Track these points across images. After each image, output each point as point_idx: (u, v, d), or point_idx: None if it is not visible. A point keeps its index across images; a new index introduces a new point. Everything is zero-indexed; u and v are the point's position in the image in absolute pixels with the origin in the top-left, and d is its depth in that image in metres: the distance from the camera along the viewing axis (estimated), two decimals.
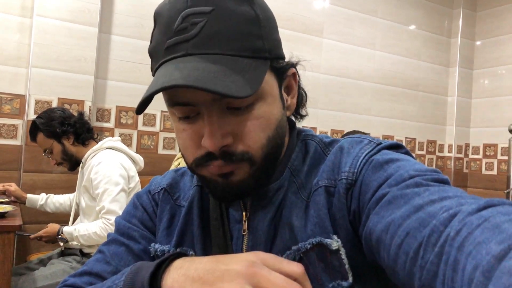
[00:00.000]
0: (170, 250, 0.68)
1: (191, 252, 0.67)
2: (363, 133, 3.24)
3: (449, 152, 4.51)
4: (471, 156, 4.56)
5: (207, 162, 0.57)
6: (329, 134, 3.72)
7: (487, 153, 4.43)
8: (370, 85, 4.03)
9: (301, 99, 0.70)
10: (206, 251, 0.66)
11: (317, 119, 3.64)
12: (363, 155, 0.59)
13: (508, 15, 4.37)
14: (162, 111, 3.11)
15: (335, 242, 0.56)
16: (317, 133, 3.82)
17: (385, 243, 0.47)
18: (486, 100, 4.49)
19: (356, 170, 0.58)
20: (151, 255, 0.70)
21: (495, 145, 4.36)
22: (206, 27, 0.53)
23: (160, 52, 0.56)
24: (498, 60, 4.41)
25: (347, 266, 0.56)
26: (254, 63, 0.55)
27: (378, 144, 0.61)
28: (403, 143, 4.21)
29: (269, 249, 0.61)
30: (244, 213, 0.64)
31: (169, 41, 0.54)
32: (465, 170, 4.53)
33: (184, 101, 0.55)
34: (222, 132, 0.55)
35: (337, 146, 0.63)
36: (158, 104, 2.70)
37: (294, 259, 0.58)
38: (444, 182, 0.51)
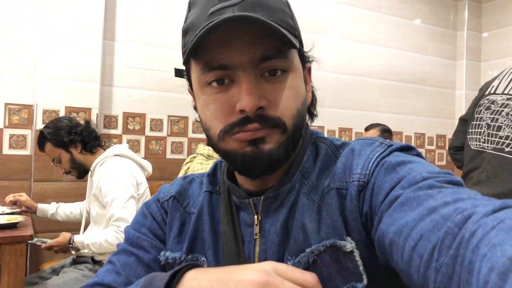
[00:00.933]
0: (182, 257, 0.68)
1: (202, 258, 0.67)
2: (384, 125, 3.21)
3: None
4: None
5: (241, 127, 0.57)
6: (337, 132, 3.71)
7: None
8: (377, 82, 4.00)
9: (313, 98, 0.71)
10: (217, 257, 0.66)
11: (324, 118, 3.63)
12: (375, 157, 0.58)
13: None
14: (169, 116, 3.12)
15: (348, 244, 0.56)
16: (325, 132, 3.87)
17: (398, 245, 0.47)
18: None
19: (368, 172, 0.57)
20: (162, 263, 0.70)
21: None
22: None
23: (201, 21, 0.56)
24: (506, 51, 4.36)
25: (361, 267, 0.55)
26: (290, 34, 0.58)
27: (389, 146, 0.60)
28: (412, 139, 4.21)
29: (282, 252, 0.60)
30: (255, 216, 0.64)
31: (213, 8, 0.56)
32: None
33: (221, 64, 0.56)
34: (259, 94, 0.56)
35: (348, 148, 0.63)
36: (165, 108, 2.70)
37: (308, 262, 0.57)
38: (458, 184, 0.50)
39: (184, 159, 3.01)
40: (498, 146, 1.18)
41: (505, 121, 1.18)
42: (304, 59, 0.66)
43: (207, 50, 0.56)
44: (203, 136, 3.22)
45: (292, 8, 0.64)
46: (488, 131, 1.25)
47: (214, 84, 0.58)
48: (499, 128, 1.19)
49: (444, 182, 0.50)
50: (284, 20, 0.58)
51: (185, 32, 0.60)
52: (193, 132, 3.22)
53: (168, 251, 0.69)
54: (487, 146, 1.23)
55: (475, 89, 4.52)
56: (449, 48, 4.49)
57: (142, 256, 0.70)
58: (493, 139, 1.21)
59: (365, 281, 0.55)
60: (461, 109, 4.47)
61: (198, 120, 0.65)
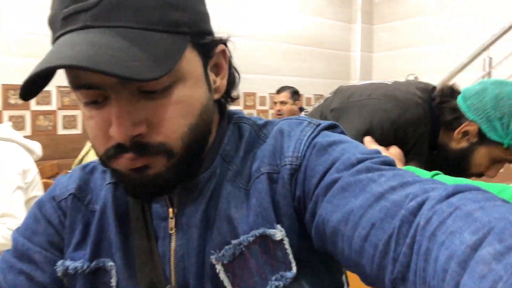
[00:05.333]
0: (84, 265, 0.58)
1: (109, 263, 0.58)
2: (294, 88, 3.34)
3: None
4: None
5: (117, 155, 0.49)
6: (241, 98, 3.70)
7: None
8: (278, 45, 4.05)
9: (233, 80, 0.63)
10: (128, 259, 0.58)
11: None
12: (305, 138, 0.56)
13: None
14: (57, 87, 2.82)
15: (278, 232, 0.53)
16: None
17: (344, 234, 0.45)
18: (385, 54, 4.75)
19: (300, 155, 0.55)
20: (58, 274, 0.59)
21: None
22: None
23: (57, 23, 0.47)
24: (394, 15, 4.66)
25: (290, 256, 0.53)
26: (169, 39, 0.47)
27: (317, 126, 0.58)
28: (312, 100, 4.36)
29: (203, 246, 0.55)
30: (170, 209, 0.57)
31: (65, 10, 0.46)
32: None
33: (87, 84, 0.47)
34: (133, 120, 0.48)
35: (276, 129, 0.59)
36: (53, 78, 2.44)
37: (234, 253, 0.54)
38: (392, 164, 0.51)
39: (79, 134, 2.77)
40: None
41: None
42: (208, 48, 0.55)
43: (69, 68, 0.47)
44: None
45: None
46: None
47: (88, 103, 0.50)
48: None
49: (379, 163, 0.50)
50: (161, 18, 0.47)
51: (49, 26, 0.51)
52: None
53: (68, 259, 0.59)
54: None
55: (368, 51, 4.79)
56: (345, 12, 4.67)
57: (34, 274, 0.59)
58: None
59: (294, 269, 0.53)
60: (356, 71, 4.72)
61: None
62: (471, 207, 0.36)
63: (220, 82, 0.59)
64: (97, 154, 0.53)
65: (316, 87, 4.38)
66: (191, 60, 0.52)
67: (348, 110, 1.20)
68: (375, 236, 0.42)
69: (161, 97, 0.49)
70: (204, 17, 0.54)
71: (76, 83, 0.48)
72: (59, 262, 0.59)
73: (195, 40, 0.52)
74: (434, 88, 1.20)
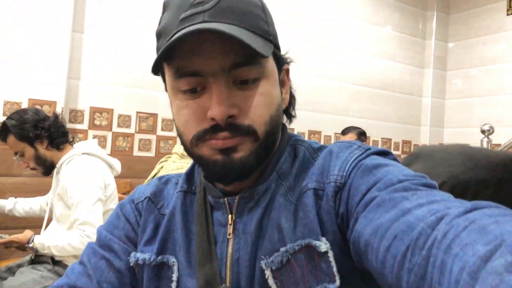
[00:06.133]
0: (151, 257, 0.66)
1: (172, 259, 0.66)
2: (360, 129, 3.27)
3: None
4: None
5: (212, 134, 0.57)
6: (306, 135, 3.73)
7: None
8: (347, 86, 4.05)
9: (292, 99, 0.72)
10: (189, 257, 0.65)
11: (295, 120, 3.61)
12: (352, 159, 0.59)
13: (478, 19, 4.48)
14: (137, 112, 3.04)
15: (323, 244, 0.55)
16: (294, 133, 3.83)
17: (373, 246, 0.47)
18: (459, 101, 4.59)
19: (345, 174, 0.58)
20: (131, 265, 0.68)
21: None
22: (221, 2, 0.56)
23: (172, 26, 0.57)
24: (470, 62, 4.52)
25: (335, 269, 0.55)
26: (262, 40, 0.58)
27: (367, 150, 0.61)
28: (379, 144, 4.28)
29: (255, 252, 0.60)
30: (230, 216, 0.64)
31: (184, 13, 0.56)
32: None
33: (192, 71, 0.56)
34: (230, 103, 0.56)
35: (326, 150, 0.64)
36: (134, 105, 2.62)
37: (281, 261, 0.57)
38: (432, 186, 0.51)
39: (152, 157, 2.94)
40: None
41: None
42: (281, 62, 0.66)
43: (179, 57, 0.56)
44: (172, 134, 3.16)
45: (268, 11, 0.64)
46: None
47: (187, 92, 0.58)
48: None
49: (419, 184, 0.50)
50: (257, 25, 0.58)
51: (158, 35, 0.61)
52: (162, 129, 3.16)
53: (139, 252, 0.68)
54: None
55: (440, 97, 4.66)
56: (417, 56, 4.60)
57: (112, 260, 0.69)
58: None
59: (338, 282, 0.55)
60: (427, 117, 4.59)
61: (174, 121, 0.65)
62: (486, 221, 0.36)
63: (285, 96, 0.68)
64: (186, 141, 0.61)
65: (384, 131, 4.31)
66: (272, 65, 0.62)
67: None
68: (395, 247, 0.43)
69: (250, 88, 0.58)
70: (277, 37, 0.65)
71: (183, 71, 0.57)
72: (132, 254, 0.69)
73: (275, 50, 0.62)
74: None
